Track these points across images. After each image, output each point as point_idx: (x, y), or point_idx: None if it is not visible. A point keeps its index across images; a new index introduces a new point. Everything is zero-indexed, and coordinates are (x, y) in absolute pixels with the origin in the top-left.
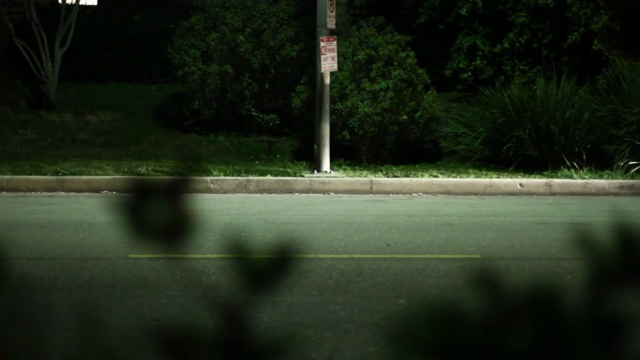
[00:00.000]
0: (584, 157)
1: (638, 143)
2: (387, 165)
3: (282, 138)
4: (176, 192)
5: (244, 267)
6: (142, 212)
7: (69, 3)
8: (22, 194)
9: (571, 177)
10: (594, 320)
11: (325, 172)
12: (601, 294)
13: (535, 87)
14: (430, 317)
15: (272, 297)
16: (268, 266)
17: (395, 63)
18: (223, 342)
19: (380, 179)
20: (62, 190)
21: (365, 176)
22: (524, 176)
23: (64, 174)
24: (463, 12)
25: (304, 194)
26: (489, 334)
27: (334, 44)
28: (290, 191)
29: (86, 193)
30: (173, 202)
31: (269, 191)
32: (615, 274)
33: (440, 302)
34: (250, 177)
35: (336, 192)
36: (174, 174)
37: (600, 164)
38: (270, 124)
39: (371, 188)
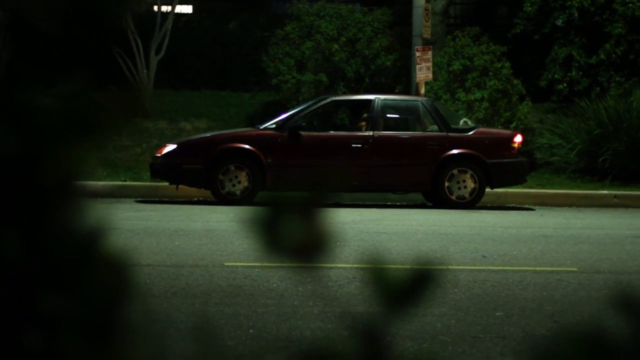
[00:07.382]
0: None
1: None
2: None
3: None
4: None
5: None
6: (277, 227)
7: (165, 11)
8: (117, 199)
9: None
10: None
11: None
12: None
13: (632, 98)
14: (576, 342)
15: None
16: (408, 279)
17: (491, 73)
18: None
19: None
20: (157, 197)
21: None
22: (620, 188)
23: (158, 181)
24: (559, 22)
25: (397, 203)
26: None
27: (429, 54)
28: (384, 200)
29: (180, 200)
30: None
31: (363, 200)
32: None
33: (585, 326)
34: None
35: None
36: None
37: None
38: None
39: None
